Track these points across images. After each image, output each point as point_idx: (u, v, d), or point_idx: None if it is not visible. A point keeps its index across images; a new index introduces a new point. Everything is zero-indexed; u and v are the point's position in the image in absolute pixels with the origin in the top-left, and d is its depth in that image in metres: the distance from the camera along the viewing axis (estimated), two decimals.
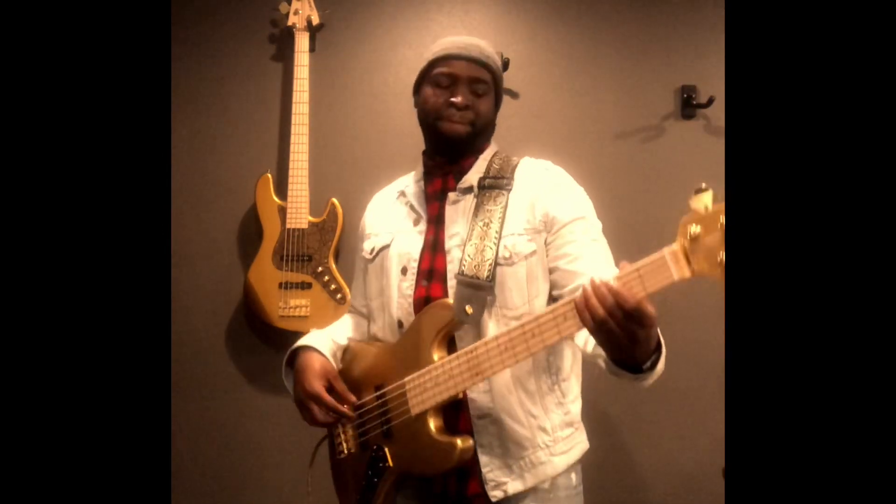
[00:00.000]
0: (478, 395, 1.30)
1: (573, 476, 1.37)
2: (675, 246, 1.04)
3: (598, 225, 1.36)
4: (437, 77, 1.38)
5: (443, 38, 1.44)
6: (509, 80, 2.37)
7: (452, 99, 1.35)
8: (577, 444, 1.38)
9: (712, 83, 2.33)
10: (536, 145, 2.18)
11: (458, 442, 1.26)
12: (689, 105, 2.35)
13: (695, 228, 1.01)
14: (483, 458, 1.30)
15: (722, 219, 0.98)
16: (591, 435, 1.42)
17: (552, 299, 1.33)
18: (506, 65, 2.33)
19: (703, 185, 1.02)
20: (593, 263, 1.28)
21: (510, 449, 1.30)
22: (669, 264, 1.03)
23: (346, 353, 1.48)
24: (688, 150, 2.36)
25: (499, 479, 1.30)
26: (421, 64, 1.43)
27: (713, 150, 2.34)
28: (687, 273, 1.03)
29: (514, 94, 2.39)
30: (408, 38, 2.40)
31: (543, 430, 1.32)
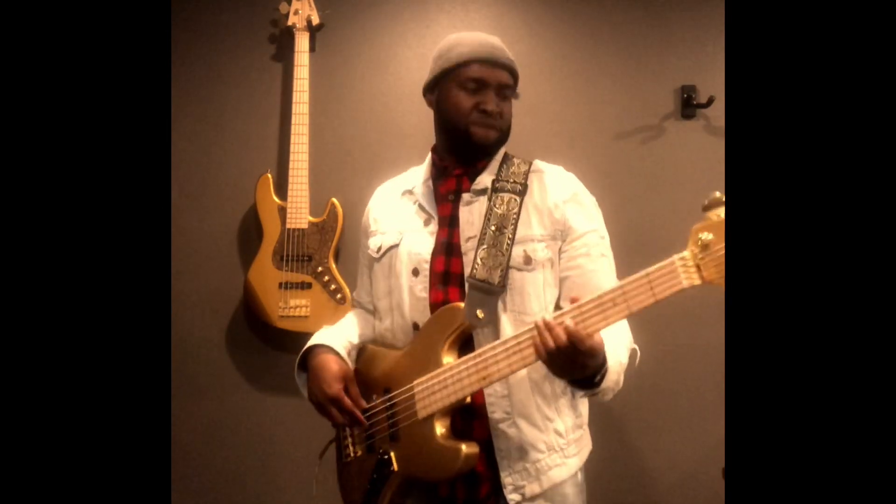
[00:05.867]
0: (496, 399, 1.29)
1: (579, 475, 1.37)
2: (686, 253, 1.05)
3: (607, 238, 1.38)
4: (465, 81, 1.35)
5: (461, 36, 1.40)
6: None
7: (484, 106, 1.34)
8: (585, 445, 1.39)
9: (712, 83, 2.33)
10: (536, 145, 2.18)
11: (463, 447, 1.24)
12: (689, 105, 2.34)
13: (706, 236, 1.02)
14: (502, 462, 1.30)
15: None
16: (593, 435, 1.43)
17: (557, 307, 1.33)
18: None
19: (718, 193, 1.02)
20: (601, 279, 1.30)
21: (528, 452, 1.30)
22: (679, 271, 1.05)
23: (361, 354, 1.46)
24: (688, 150, 2.36)
25: (517, 482, 1.29)
26: (443, 63, 1.38)
27: (713, 150, 2.34)
28: (697, 280, 1.04)
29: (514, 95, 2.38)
30: (408, 38, 2.39)
31: (558, 432, 1.32)
